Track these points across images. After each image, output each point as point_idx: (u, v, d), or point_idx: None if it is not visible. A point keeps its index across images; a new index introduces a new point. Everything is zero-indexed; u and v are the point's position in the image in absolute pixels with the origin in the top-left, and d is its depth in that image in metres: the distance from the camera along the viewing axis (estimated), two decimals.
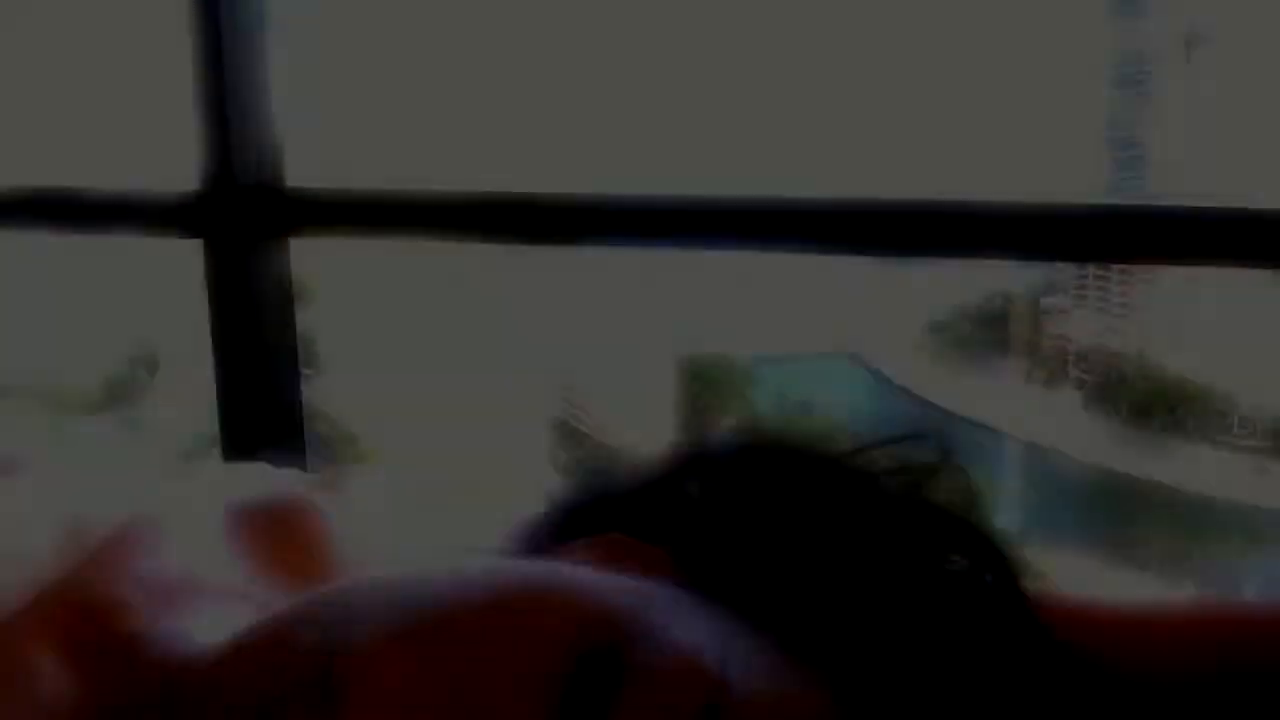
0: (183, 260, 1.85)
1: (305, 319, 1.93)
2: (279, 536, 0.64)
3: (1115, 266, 2.67)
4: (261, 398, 1.69)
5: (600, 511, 0.60)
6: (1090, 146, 2.67)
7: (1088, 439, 2.84)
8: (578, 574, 0.52)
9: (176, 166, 1.69)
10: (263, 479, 0.71)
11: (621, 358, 3.04)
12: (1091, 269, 2.73)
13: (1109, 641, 0.62)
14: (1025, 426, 2.90)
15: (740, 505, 0.57)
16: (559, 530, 0.60)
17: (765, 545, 0.55)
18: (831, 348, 3.13)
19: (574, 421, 3.03)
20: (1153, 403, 2.79)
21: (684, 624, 0.49)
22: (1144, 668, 0.61)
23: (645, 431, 2.98)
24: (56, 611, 0.56)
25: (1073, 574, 2.73)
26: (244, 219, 1.65)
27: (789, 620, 0.51)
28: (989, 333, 2.99)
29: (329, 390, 2.95)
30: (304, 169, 1.70)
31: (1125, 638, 0.63)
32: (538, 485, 2.94)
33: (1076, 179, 2.63)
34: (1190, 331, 2.74)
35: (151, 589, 0.58)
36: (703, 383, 3.06)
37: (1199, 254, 1.42)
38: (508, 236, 1.71)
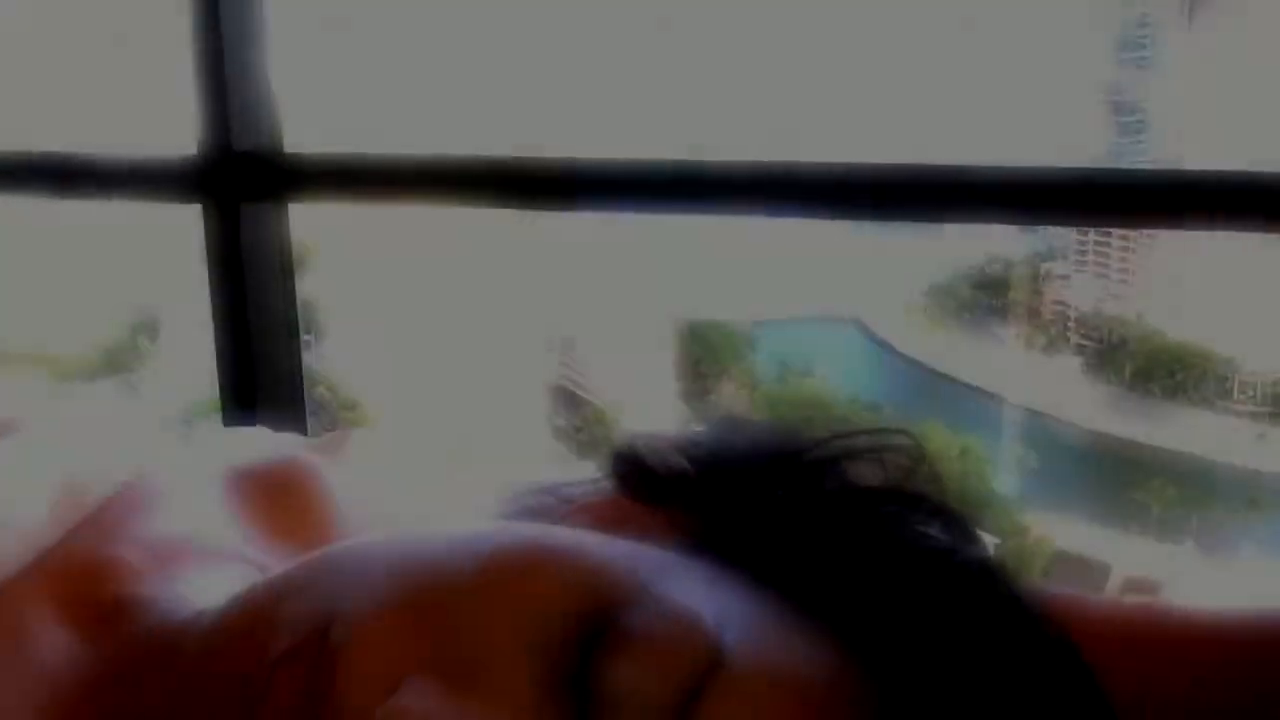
0: (182, 225, 1.84)
1: (304, 284, 1.92)
2: (277, 500, 0.64)
3: (1115, 232, 2.66)
4: (261, 363, 1.69)
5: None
6: (1092, 111, 2.66)
7: (1087, 404, 2.85)
8: (574, 537, 0.51)
9: (175, 131, 1.69)
10: (262, 443, 0.71)
11: (620, 322, 3.04)
12: (1092, 234, 2.73)
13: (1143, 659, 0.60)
14: (1025, 391, 2.90)
15: (762, 476, 0.56)
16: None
17: (783, 511, 0.55)
18: (831, 312, 3.13)
19: (572, 385, 3.04)
20: (1153, 368, 2.79)
21: (681, 588, 0.48)
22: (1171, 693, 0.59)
23: (644, 396, 2.98)
24: (55, 573, 0.56)
25: (1072, 537, 2.75)
26: (243, 184, 1.65)
27: (802, 587, 0.51)
28: (989, 298, 2.99)
29: (328, 355, 2.95)
30: (302, 133, 1.70)
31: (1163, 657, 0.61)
32: (535, 448, 2.95)
33: (1078, 144, 2.63)
34: (1190, 297, 2.74)
35: (150, 551, 0.58)
36: (702, 347, 3.06)
37: (1199, 218, 1.42)
38: (506, 201, 1.70)
